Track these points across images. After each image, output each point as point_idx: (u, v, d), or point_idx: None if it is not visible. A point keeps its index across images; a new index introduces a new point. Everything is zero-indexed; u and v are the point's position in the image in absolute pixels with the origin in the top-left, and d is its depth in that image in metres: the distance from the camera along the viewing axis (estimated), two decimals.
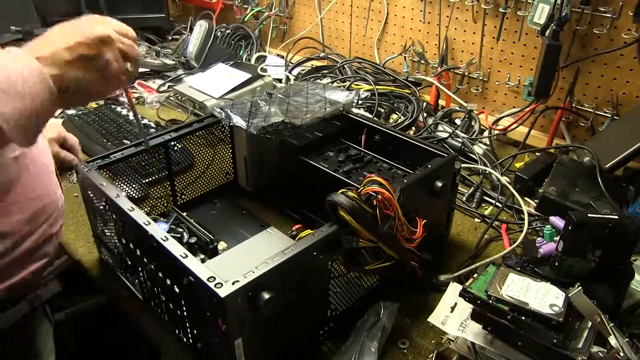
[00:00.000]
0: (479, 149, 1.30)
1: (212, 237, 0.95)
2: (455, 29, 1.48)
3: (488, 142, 1.35)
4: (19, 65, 0.59)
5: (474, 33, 1.44)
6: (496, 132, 1.38)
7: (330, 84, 1.54)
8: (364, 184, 0.74)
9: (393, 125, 1.39)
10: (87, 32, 0.64)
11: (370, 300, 0.83)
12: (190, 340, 0.78)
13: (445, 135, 1.35)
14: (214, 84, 1.56)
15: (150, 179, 1.07)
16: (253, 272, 0.64)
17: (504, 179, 1.17)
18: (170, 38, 2.07)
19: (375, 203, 0.72)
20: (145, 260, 0.78)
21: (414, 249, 0.79)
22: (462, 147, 1.31)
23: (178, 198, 1.08)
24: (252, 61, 1.86)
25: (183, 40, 1.92)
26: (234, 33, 1.93)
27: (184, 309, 0.75)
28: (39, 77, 0.60)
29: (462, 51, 1.49)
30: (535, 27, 1.25)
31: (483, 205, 1.16)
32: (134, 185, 1.01)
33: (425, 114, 1.44)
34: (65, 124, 1.39)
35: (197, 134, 1.05)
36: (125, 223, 0.79)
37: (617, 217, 0.73)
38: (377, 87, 1.50)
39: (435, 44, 1.55)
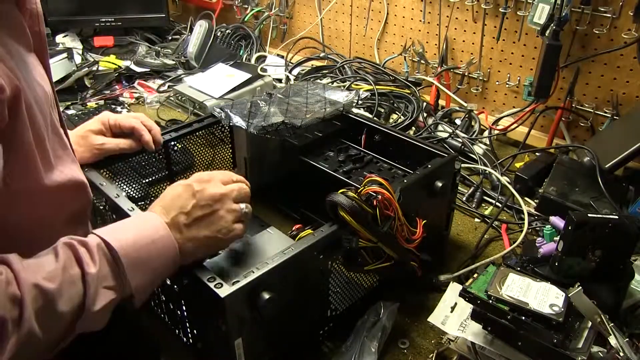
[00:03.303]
0: (479, 149, 1.30)
1: None
2: (455, 29, 1.48)
3: (488, 142, 1.35)
4: (158, 237, 0.61)
5: (474, 33, 1.44)
6: (496, 132, 1.38)
7: (330, 84, 1.54)
8: (364, 184, 0.74)
9: (393, 125, 1.39)
10: (200, 194, 0.67)
11: (370, 300, 0.83)
12: (190, 340, 0.78)
13: (445, 135, 1.35)
14: (214, 84, 1.56)
15: (150, 179, 1.08)
16: (253, 272, 0.64)
17: (504, 179, 1.17)
18: (170, 38, 2.07)
19: (375, 203, 0.71)
20: None
21: (413, 249, 0.79)
22: (462, 147, 1.31)
23: None
24: (252, 61, 1.86)
25: (183, 40, 1.92)
26: (234, 33, 1.93)
27: (184, 309, 0.75)
28: (172, 248, 0.62)
29: (462, 51, 1.49)
30: (535, 27, 1.25)
31: (483, 205, 1.16)
32: (134, 185, 1.01)
33: (425, 114, 1.44)
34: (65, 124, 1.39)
35: (197, 134, 1.05)
36: None
37: (617, 217, 0.73)
38: (377, 87, 1.50)
39: (435, 44, 1.55)
